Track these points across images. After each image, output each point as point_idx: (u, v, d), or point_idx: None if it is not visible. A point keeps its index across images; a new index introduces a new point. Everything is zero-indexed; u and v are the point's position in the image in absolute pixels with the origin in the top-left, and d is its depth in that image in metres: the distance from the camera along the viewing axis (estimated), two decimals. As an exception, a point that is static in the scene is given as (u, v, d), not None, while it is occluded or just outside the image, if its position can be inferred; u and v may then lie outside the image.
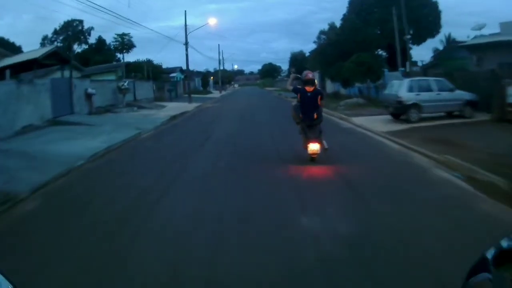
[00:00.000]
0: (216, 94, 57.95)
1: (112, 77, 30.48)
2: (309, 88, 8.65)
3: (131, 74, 33.11)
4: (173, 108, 27.44)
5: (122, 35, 33.50)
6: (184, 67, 39.04)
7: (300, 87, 8.87)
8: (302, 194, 6.35)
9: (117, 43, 34.09)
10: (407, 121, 14.32)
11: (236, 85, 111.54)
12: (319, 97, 8.68)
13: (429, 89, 14.93)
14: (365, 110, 19.39)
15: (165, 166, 9.04)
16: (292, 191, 6.54)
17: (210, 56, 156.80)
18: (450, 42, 36.38)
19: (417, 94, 14.60)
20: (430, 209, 5.43)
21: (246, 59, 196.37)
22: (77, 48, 43.05)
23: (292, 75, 9.98)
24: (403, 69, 26.00)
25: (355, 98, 24.49)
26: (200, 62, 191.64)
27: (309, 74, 9.06)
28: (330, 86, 38.51)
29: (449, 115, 15.21)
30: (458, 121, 14.27)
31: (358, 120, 16.02)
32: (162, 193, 6.72)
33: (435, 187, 6.64)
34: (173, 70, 53.95)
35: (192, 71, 78.17)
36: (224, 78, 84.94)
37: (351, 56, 25.97)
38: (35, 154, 10.84)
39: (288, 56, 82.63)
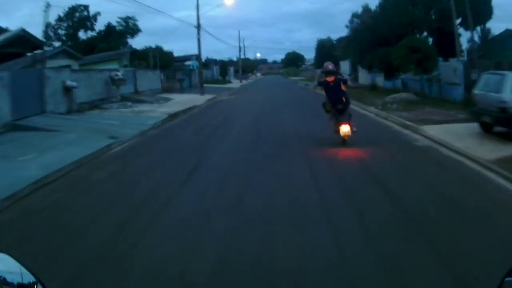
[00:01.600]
0: (235, 84, 53.44)
1: (115, 66, 26.41)
2: (330, 79, 9.45)
3: (135, 62, 28.76)
4: (179, 102, 23.09)
5: (127, 18, 29.10)
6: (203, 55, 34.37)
7: (322, 80, 9.73)
8: None
9: (122, 27, 29.70)
10: (510, 137, 9.29)
11: (258, 74, 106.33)
12: (341, 83, 9.48)
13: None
14: (427, 112, 14.15)
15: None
16: None
17: (234, 45, 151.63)
18: (485, 32, 31.18)
19: None
20: None
21: (270, 47, 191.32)
22: (83, 35, 38.88)
23: (318, 71, 9.85)
24: (463, 58, 20.93)
25: (404, 93, 19.37)
26: (222, 51, 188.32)
27: (329, 66, 9.75)
28: (364, 77, 33.31)
29: None
30: None
31: (431, 130, 10.75)
32: None
33: None
34: (189, 58, 49.50)
35: (211, 60, 73.86)
36: (246, 67, 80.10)
37: (392, 42, 20.98)
38: None
39: (312, 45, 77.30)
